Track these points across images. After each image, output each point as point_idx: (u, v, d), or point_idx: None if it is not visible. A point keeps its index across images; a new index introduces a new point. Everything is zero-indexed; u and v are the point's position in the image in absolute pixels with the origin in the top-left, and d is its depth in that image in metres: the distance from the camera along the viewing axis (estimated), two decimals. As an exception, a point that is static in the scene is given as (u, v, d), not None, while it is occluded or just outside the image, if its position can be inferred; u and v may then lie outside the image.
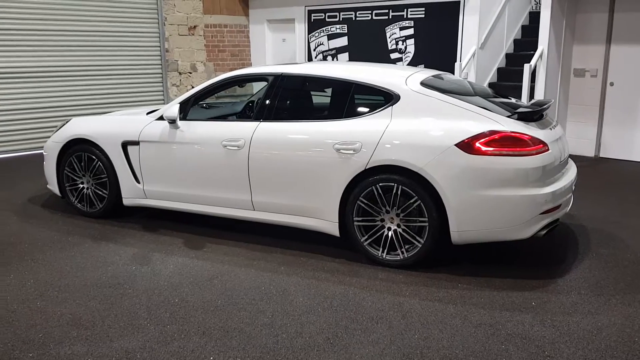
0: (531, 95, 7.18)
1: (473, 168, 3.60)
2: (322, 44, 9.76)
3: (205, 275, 3.84)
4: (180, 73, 9.76)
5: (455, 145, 3.64)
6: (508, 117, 3.77)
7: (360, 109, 4.10)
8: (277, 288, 3.61)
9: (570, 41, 7.75)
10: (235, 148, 4.32)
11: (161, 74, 9.59)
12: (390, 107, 3.95)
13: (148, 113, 5.00)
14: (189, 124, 4.60)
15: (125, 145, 4.80)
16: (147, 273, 3.88)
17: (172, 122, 4.55)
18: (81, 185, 5.12)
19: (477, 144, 3.61)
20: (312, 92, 4.76)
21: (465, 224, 3.68)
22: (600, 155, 7.79)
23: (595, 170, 7.02)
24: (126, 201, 4.95)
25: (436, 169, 3.66)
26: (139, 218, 5.13)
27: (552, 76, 7.46)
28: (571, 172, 4.11)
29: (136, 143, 4.75)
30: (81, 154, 5.01)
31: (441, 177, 3.65)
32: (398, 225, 3.89)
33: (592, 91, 7.72)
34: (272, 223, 4.38)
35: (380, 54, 9.03)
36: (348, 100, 4.17)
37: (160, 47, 9.53)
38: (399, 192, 3.81)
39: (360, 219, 3.98)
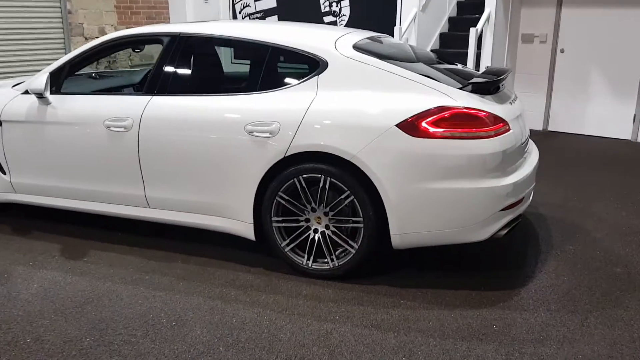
0: (477, 63, 6.51)
1: (418, 155, 2.84)
2: (249, 5, 8.77)
3: (77, 298, 2.95)
4: (86, 38, 8.52)
5: (396, 125, 2.86)
6: (460, 89, 3.02)
7: (279, 80, 3.25)
8: (170, 316, 2.77)
9: (518, 4, 7.10)
10: (121, 130, 3.39)
11: (63, 39, 8.34)
12: (316, 77, 3.12)
13: (14, 85, 3.95)
14: (63, 99, 3.62)
15: (-17, 126, 3.78)
16: (0, 297, 2.95)
17: (40, 96, 3.55)
18: None
19: (423, 124, 2.84)
20: (222, 59, 3.86)
21: (408, 225, 2.93)
22: (549, 129, 7.26)
23: (545, 145, 6.46)
24: (-9, 197, 3.94)
25: (373, 157, 2.88)
26: (11, 217, 4.13)
27: (499, 42, 6.80)
28: (533, 157, 3.42)
29: (-2, 123, 3.73)
30: None
31: (379, 167, 2.87)
32: (327, 227, 3.10)
33: (541, 59, 7.13)
34: (172, 224, 3.51)
35: (312, 17, 8.14)
36: (263, 68, 3.30)
37: (60, 7, 8.26)
38: (327, 186, 3.01)
39: (279, 219, 3.17)
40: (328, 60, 3.14)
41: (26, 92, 3.68)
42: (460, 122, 2.85)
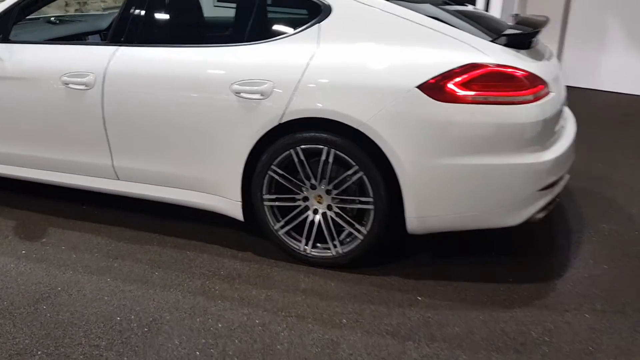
0: (487, 7, 5.90)
1: (443, 123, 2.33)
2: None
3: (30, 293, 2.45)
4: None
5: (417, 87, 2.33)
6: (491, 41, 2.48)
7: (272, 29, 2.68)
8: (142, 319, 2.29)
9: (531, -57, 6.43)
10: (82, 87, 2.81)
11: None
12: (317, 25, 2.55)
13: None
14: (10, 49, 3.01)
15: None
16: (-63, 292, 2.45)
17: (-19, 45, 2.95)
18: None
19: (450, 86, 2.32)
20: (202, 2, 3.24)
21: (428, 207, 2.45)
22: (559, 82, 6.73)
23: (556, 101, 5.94)
24: None
25: (387, 125, 2.36)
26: (-40, 185, 3.58)
27: (509, -15, 6.17)
28: (571, 125, 2.93)
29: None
30: None
31: (394, 137, 2.36)
32: (329, 207, 2.61)
33: (554, 2, 6.52)
34: (146, 199, 2.99)
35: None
36: (253, 14, 2.72)
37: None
38: (330, 159, 2.50)
39: (272, 197, 2.66)
40: (331, 4, 2.56)
41: (-33, 40, 3.07)
42: (495, 84, 2.33)
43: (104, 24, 4.02)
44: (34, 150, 3.07)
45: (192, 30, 3.06)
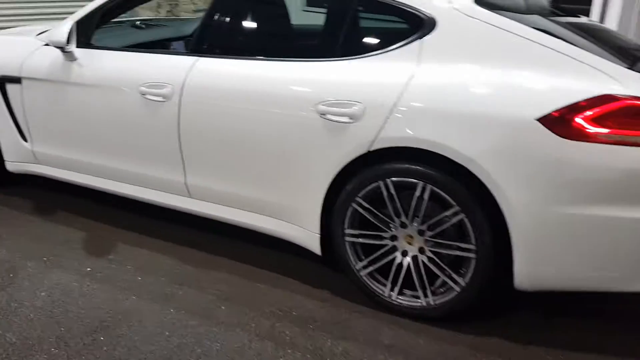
0: (601, 18, 5.32)
1: (568, 164, 1.93)
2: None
3: (89, 320, 2.27)
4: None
5: (538, 120, 1.94)
6: (628, 68, 2.05)
7: (366, 43, 2.38)
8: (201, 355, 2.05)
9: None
10: (159, 99, 2.63)
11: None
12: (418, 41, 2.22)
13: (40, 34, 3.24)
14: (91, 55, 2.88)
15: (2, 82, 3.11)
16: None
17: (62, 49, 2.82)
18: None
19: (579, 120, 1.92)
20: (289, 7, 2.99)
21: (542, 260, 2.05)
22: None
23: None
24: (10, 166, 3.31)
25: (498, 162, 1.99)
26: (36, 189, 3.51)
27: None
28: None
29: (17, 80, 3.05)
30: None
31: (507, 177, 1.99)
32: (421, 250, 2.27)
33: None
34: (218, 220, 2.76)
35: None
36: (345, 25, 2.43)
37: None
38: (425, 196, 2.16)
39: (355, 232, 2.36)
40: (436, 18, 2.22)
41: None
42: (634, 121, 1.91)
43: (188, 30, 3.87)
44: (107, 159, 2.92)
45: (276, 41, 2.80)
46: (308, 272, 2.64)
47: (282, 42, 2.82)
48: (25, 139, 3.18)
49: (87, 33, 2.92)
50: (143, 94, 2.66)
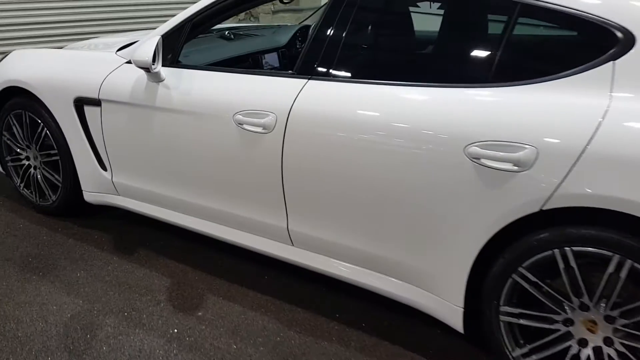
0: None
1: None
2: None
3: (179, 409, 1.85)
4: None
5: None
6: None
7: (533, 65, 1.82)
8: None
9: None
10: (259, 130, 2.18)
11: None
12: (610, 62, 1.66)
13: (120, 49, 2.86)
14: (179, 75, 2.47)
15: (80, 104, 2.76)
16: (72, 387, 1.94)
17: (148, 70, 2.42)
18: (26, 162, 3.17)
19: None
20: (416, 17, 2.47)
21: None
22: None
23: None
24: (88, 196, 2.97)
25: None
26: (118, 220, 3.17)
27: None
28: None
29: (96, 102, 2.69)
30: (21, 113, 3.03)
31: None
32: (608, 342, 1.70)
33: None
34: (325, 274, 2.29)
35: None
36: (505, 40, 1.88)
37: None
38: (622, 274, 1.60)
39: (515, 310, 1.82)
40: (635, 33, 1.65)
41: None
42: None
43: (282, 39, 3.43)
44: (196, 196, 2.52)
45: (415, 62, 2.26)
46: (442, 349, 2.12)
47: (425, 62, 2.26)
48: (104, 168, 2.83)
49: (174, 49, 2.52)
50: (239, 123, 2.22)
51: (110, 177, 2.82)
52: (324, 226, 2.17)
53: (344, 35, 2.13)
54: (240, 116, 2.22)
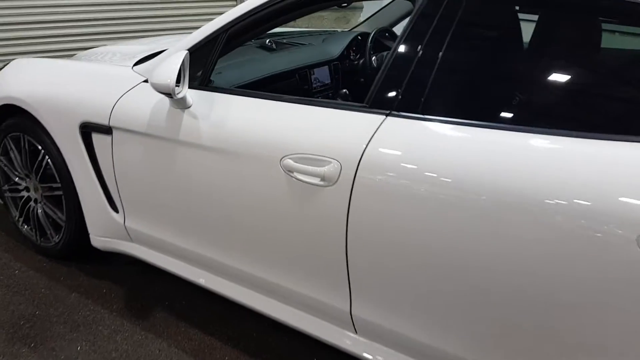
0: None
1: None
2: None
3: None
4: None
5: None
6: None
7: None
8: None
9: None
10: (316, 182, 1.60)
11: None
12: None
13: (137, 63, 2.30)
14: (210, 101, 1.90)
15: (87, 130, 2.21)
16: None
17: (170, 96, 1.84)
18: (25, 194, 2.63)
19: None
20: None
21: None
22: None
23: None
24: (96, 241, 2.42)
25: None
26: (134, 268, 2.62)
27: None
28: None
29: (106, 130, 2.14)
30: (19, 137, 2.50)
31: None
32: None
33: None
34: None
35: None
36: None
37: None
38: None
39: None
40: None
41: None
42: None
43: (334, 49, 2.83)
44: (224, 254, 1.96)
45: (546, 97, 1.56)
46: None
47: (561, 101, 1.52)
48: (115, 209, 2.28)
49: (205, 67, 1.95)
50: (289, 170, 1.65)
51: (122, 221, 2.27)
52: (405, 317, 1.58)
53: (439, 56, 1.53)
54: (290, 161, 1.65)
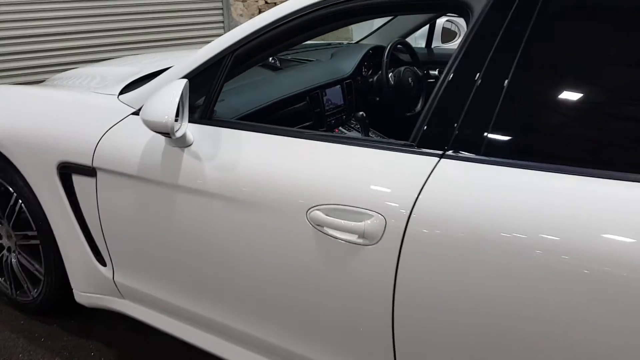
0: None
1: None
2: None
3: None
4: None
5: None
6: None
7: None
8: None
9: None
10: (353, 239, 1.29)
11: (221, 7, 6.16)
12: None
13: (125, 89, 1.96)
14: (215, 136, 1.58)
15: (66, 172, 1.88)
16: None
17: (168, 135, 1.51)
18: (-3, 242, 2.29)
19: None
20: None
21: None
22: None
23: None
24: (81, 298, 2.07)
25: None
26: (126, 323, 2.28)
27: None
28: None
29: (89, 171, 1.80)
30: (-13, 177, 2.16)
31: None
32: None
33: None
34: None
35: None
36: None
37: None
38: None
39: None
40: None
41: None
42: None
43: (346, 65, 2.51)
44: (234, 317, 1.63)
45: None
46: None
47: None
48: (102, 262, 1.95)
49: (208, 97, 1.63)
50: (317, 224, 1.33)
51: (110, 276, 1.94)
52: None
53: (508, 80, 1.22)
54: (320, 213, 1.33)
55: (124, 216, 1.77)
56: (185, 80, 1.51)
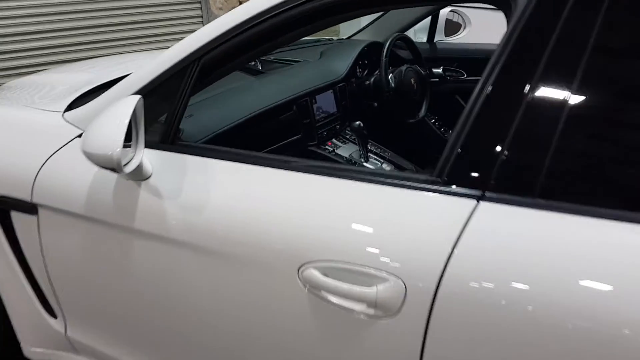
0: None
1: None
2: None
3: None
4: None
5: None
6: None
7: None
8: None
9: None
10: (362, 309, 0.96)
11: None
12: None
13: (72, 105, 1.60)
14: (181, 166, 1.24)
15: (3, 208, 1.53)
16: None
17: (115, 171, 1.17)
18: None
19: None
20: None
21: None
22: None
23: None
24: (30, 354, 1.72)
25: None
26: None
27: None
28: None
29: (29, 208, 1.46)
30: None
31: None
32: None
33: None
34: None
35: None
36: None
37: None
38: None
39: None
40: None
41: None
42: None
43: (339, 67, 2.18)
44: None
45: None
46: None
47: None
48: (52, 314, 1.61)
49: (171, 116, 1.29)
50: (314, 287, 1.00)
51: (62, 329, 1.60)
52: None
53: (568, 99, 0.89)
54: (315, 272, 1.00)
55: (72, 261, 1.44)
56: (138, 97, 1.17)
